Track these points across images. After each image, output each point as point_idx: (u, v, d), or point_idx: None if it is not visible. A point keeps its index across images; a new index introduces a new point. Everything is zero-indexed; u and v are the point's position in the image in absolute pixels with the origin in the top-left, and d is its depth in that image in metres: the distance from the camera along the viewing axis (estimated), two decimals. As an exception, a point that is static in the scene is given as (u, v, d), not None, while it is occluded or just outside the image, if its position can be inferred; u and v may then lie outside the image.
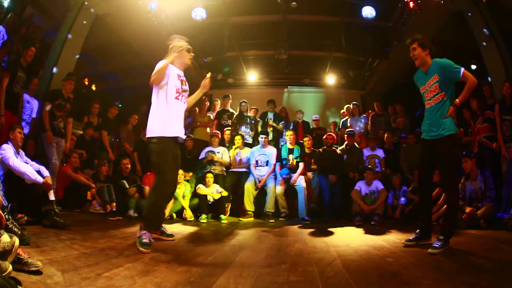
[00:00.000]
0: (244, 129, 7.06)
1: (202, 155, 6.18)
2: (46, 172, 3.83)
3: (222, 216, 5.31)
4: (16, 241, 1.85)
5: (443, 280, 2.11)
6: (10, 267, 1.69)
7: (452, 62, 3.07)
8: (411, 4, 6.48)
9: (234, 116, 7.35)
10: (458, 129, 3.13)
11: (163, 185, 3.08)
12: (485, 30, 5.74)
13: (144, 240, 2.83)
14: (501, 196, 4.66)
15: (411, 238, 3.24)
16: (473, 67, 7.03)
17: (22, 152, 3.86)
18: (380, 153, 6.27)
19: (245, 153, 6.19)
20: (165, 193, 3.17)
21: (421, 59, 3.18)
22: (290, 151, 5.97)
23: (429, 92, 3.18)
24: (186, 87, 3.27)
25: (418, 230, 3.26)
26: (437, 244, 2.85)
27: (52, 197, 3.68)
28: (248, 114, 7.41)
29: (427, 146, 3.23)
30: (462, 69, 3.00)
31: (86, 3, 6.13)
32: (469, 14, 5.95)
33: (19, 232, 2.48)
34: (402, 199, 5.51)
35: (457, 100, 3.04)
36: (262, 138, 6.11)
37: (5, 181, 3.34)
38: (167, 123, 3.07)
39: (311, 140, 6.18)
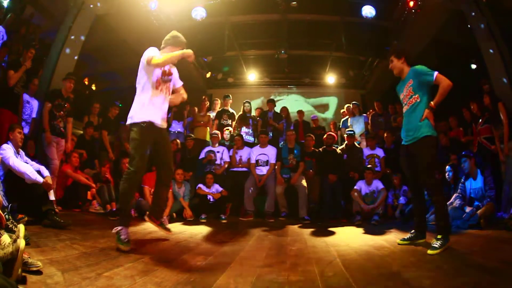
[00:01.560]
0: (245, 130, 7.06)
1: (202, 155, 6.19)
2: (46, 172, 3.83)
3: (222, 216, 5.31)
4: (22, 243, 1.76)
5: (443, 279, 2.11)
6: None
7: (426, 67, 3.15)
8: (411, 3, 6.48)
9: (237, 116, 7.36)
10: (435, 131, 3.17)
11: (134, 172, 3.05)
12: (485, 29, 5.74)
13: (122, 237, 2.81)
14: (501, 196, 4.66)
15: (405, 237, 3.31)
16: (473, 66, 7.04)
17: (22, 152, 3.86)
18: (380, 152, 6.27)
19: (245, 153, 6.19)
20: (135, 180, 3.11)
21: (398, 68, 3.31)
22: (290, 150, 5.97)
23: (405, 96, 3.28)
24: (168, 77, 3.24)
25: (413, 230, 3.32)
26: (436, 244, 2.84)
27: (52, 197, 3.68)
28: (252, 114, 7.41)
29: (406, 151, 3.31)
30: (435, 73, 3.06)
31: (91, 6, 6.13)
32: (469, 13, 5.95)
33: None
34: (402, 198, 5.51)
35: (432, 102, 3.08)
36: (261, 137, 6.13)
37: (5, 181, 3.34)
38: (147, 110, 3.07)
39: (313, 141, 6.18)
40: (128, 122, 3.12)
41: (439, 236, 2.91)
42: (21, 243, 1.75)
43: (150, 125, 3.07)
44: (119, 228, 2.90)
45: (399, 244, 3.24)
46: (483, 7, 5.77)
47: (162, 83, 3.19)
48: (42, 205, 3.52)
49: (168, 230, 3.47)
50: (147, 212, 3.43)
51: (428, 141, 3.09)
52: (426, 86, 3.14)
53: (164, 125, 3.27)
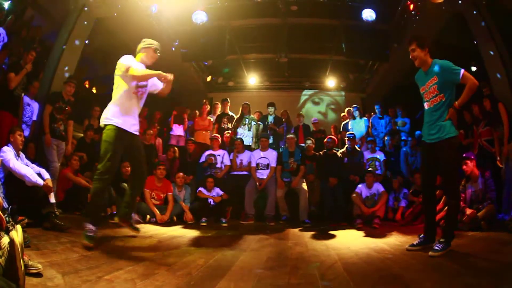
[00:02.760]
0: (241, 131, 7.03)
1: (202, 159, 6.18)
2: (46, 175, 3.83)
3: (223, 219, 5.30)
4: (15, 236, 1.74)
5: (444, 282, 2.10)
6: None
7: (452, 63, 3.02)
8: (411, 6, 6.50)
9: (235, 118, 7.35)
10: (458, 131, 3.08)
11: (105, 173, 3.17)
12: (484, 31, 5.75)
13: (89, 234, 2.88)
14: (501, 198, 4.65)
15: (414, 243, 3.16)
16: (473, 69, 7.05)
17: (22, 155, 3.86)
18: (380, 155, 6.26)
19: (246, 156, 6.19)
20: (106, 180, 3.23)
21: (421, 59, 3.15)
22: (291, 154, 5.97)
23: (428, 93, 3.15)
24: (144, 83, 3.38)
25: (422, 235, 3.17)
26: (438, 246, 2.83)
27: (52, 199, 3.67)
28: (251, 116, 7.38)
29: (428, 149, 3.18)
30: (462, 71, 2.94)
31: (86, 9, 6.14)
32: (469, 15, 5.97)
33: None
34: (403, 201, 5.51)
35: (456, 102, 2.99)
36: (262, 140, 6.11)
37: (5, 183, 3.34)
38: (123, 115, 3.22)
39: (313, 144, 6.17)
40: (103, 122, 3.21)
41: (442, 239, 2.88)
42: (14, 235, 1.75)
43: (122, 131, 3.19)
44: (87, 224, 2.95)
45: (408, 250, 3.09)
46: (482, 9, 5.79)
47: (137, 89, 3.32)
48: (43, 207, 3.52)
49: (137, 230, 3.63)
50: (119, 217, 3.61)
51: (453, 142, 3.01)
52: (451, 85, 3.02)
53: (137, 131, 3.37)
